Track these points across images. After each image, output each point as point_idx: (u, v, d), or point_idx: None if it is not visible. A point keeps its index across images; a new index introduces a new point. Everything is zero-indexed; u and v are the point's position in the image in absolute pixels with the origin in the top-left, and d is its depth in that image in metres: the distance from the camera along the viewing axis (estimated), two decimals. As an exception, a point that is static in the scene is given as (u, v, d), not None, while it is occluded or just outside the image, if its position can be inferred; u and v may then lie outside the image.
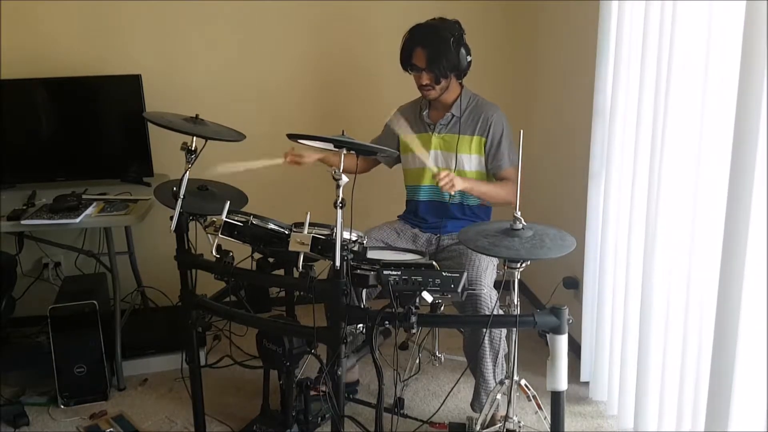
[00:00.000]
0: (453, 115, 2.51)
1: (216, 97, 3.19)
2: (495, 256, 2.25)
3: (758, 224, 1.61)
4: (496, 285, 2.25)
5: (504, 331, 2.29)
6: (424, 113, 2.57)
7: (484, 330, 2.24)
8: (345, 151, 1.78)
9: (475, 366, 2.34)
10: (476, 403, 2.37)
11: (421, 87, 2.48)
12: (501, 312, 2.16)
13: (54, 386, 2.66)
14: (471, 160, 2.52)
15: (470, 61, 2.46)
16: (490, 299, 2.23)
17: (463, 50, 2.42)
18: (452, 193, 2.34)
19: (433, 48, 2.39)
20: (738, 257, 1.65)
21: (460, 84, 2.53)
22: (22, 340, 3.05)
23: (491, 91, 2.69)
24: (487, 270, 2.34)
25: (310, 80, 3.31)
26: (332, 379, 1.83)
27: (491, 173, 2.55)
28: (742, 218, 1.64)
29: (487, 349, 2.29)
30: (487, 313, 2.21)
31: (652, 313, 2.13)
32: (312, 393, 2.25)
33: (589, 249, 2.60)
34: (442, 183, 2.27)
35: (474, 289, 2.22)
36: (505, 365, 2.32)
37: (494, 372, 2.31)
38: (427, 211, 2.60)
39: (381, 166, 2.80)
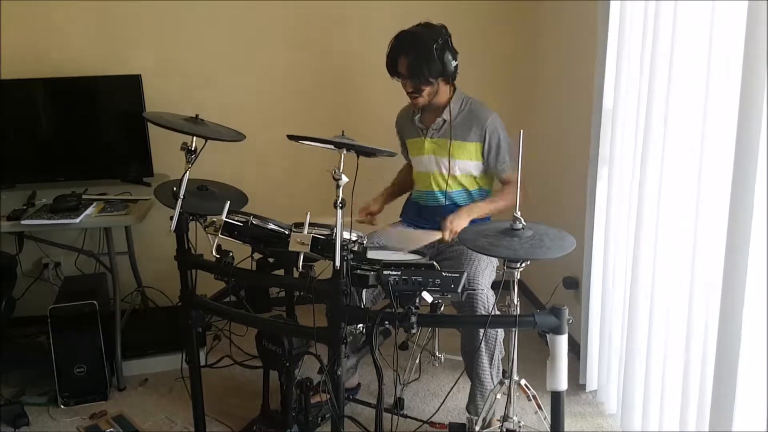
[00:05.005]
0: (444, 120, 2.50)
1: (216, 97, 3.19)
2: (494, 256, 2.24)
3: (761, 223, 1.61)
4: (496, 285, 2.25)
5: (501, 333, 2.29)
6: (416, 117, 2.57)
7: (481, 332, 2.24)
8: (345, 152, 1.78)
9: (471, 368, 2.33)
10: (471, 406, 2.35)
11: (408, 94, 2.47)
12: (498, 312, 2.16)
13: (54, 386, 2.66)
14: (467, 166, 2.50)
15: (457, 65, 2.42)
16: (486, 300, 2.23)
17: (448, 55, 2.38)
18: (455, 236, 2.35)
19: (414, 56, 2.37)
20: (741, 256, 1.65)
21: (453, 87, 2.51)
22: (22, 340, 3.06)
23: (491, 92, 2.69)
24: (485, 271, 2.33)
25: (311, 80, 3.31)
26: (332, 379, 1.83)
27: (495, 177, 2.56)
28: (745, 216, 1.63)
29: (483, 351, 2.28)
30: (483, 313, 2.20)
31: (653, 313, 2.13)
32: (313, 400, 2.25)
33: (588, 249, 2.60)
34: (448, 239, 2.33)
35: (472, 290, 2.22)
36: (500, 367, 2.32)
37: (491, 374, 2.30)
38: (429, 214, 2.59)
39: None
